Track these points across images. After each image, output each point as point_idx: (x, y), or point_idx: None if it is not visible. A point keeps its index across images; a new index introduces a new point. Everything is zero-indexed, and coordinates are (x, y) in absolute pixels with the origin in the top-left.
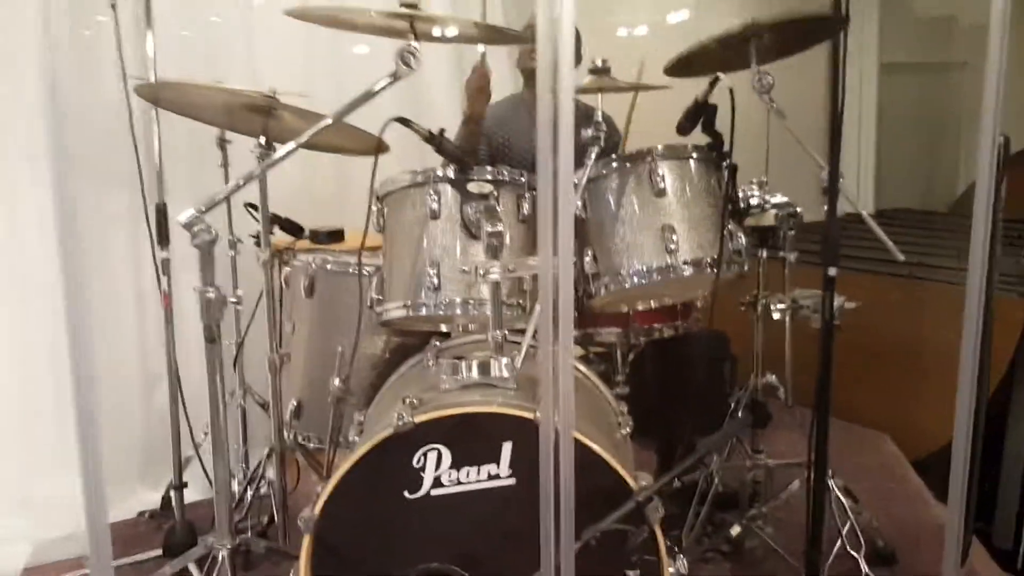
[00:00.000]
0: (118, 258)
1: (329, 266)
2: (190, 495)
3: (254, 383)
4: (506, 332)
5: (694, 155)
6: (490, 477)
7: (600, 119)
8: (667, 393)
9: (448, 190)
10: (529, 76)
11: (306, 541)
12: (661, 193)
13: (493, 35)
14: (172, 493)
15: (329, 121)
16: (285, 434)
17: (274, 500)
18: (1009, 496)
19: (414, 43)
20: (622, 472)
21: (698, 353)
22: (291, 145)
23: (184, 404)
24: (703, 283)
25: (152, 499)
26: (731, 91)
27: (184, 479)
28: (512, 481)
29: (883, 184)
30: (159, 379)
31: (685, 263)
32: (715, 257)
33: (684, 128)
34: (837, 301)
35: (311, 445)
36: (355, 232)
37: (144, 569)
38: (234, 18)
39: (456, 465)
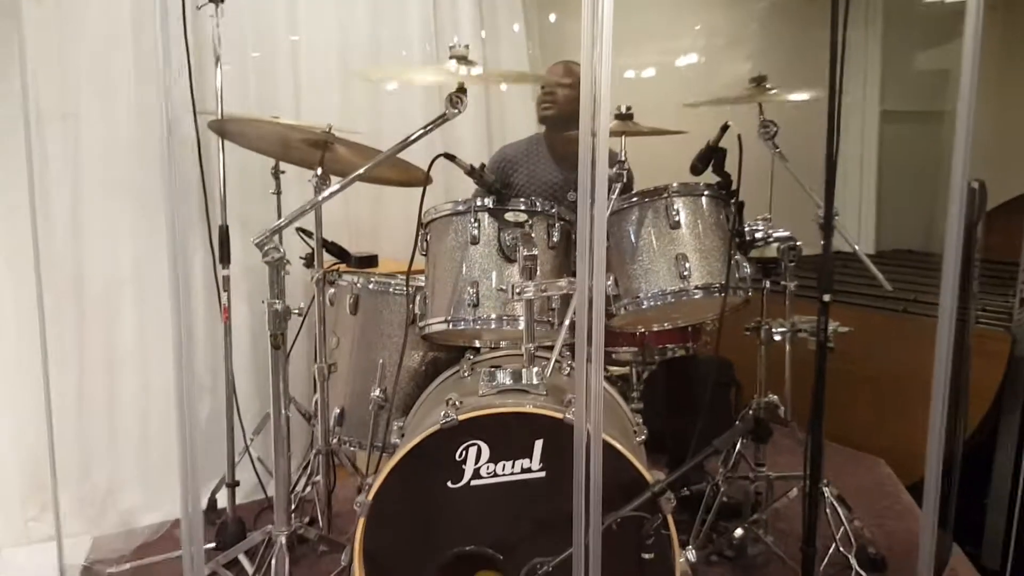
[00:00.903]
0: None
1: (372, 286)
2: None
3: (295, 395)
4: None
5: (705, 192)
6: (523, 470)
7: (623, 158)
8: (677, 414)
9: (487, 219)
10: (544, 122)
11: (360, 523)
12: (676, 225)
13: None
14: (225, 489)
15: (385, 156)
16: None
17: (318, 500)
18: (996, 519)
19: (463, 88)
20: (640, 468)
21: (706, 377)
22: (352, 177)
23: (238, 408)
24: (712, 306)
25: None
26: (739, 137)
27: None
28: (543, 474)
29: (883, 225)
30: (203, 389)
31: (696, 288)
32: (723, 283)
33: (697, 168)
34: (831, 325)
35: (352, 449)
36: (386, 258)
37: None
38: (274, 52)
39: (494, 459)
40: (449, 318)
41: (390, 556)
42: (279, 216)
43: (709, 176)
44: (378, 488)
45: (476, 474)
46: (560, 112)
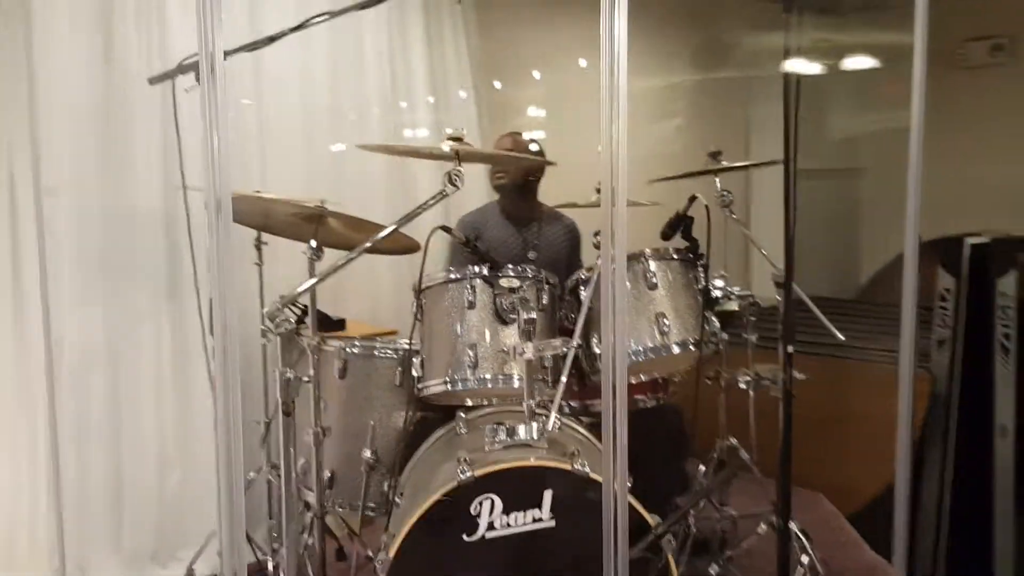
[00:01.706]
0: (134, 344)
1: (359, 350)
2: (207, 567)
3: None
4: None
5: (675, 256)
6: (534, 520)
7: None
8: (641, 461)
9: (481, 285)
10: (499, 190)
11: None
12: (653, 287)
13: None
14: (209, 558)
15: (389, 231)
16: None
17: (309, 563)
18: (924, 544)
19: (459, 167)
20: (644, 513)
21: (661, 426)
22: (359, 250)
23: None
24: (685, 360)
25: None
26: (707, 208)
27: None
28: (552, 524)
29: (800, 274)
30: (172, 462)
31: (675, 343)
32: (697, 338)
33: (667, 235)
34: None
35: (341, 511)
36: (352, 321)
37: None
38: (238, 119)
39: (507, 511)
40: (447, 379)
41: None
42: (261, 286)
43: (677, 241)
44: (399, 545)
45: (490, 526)
46: (512, 180)
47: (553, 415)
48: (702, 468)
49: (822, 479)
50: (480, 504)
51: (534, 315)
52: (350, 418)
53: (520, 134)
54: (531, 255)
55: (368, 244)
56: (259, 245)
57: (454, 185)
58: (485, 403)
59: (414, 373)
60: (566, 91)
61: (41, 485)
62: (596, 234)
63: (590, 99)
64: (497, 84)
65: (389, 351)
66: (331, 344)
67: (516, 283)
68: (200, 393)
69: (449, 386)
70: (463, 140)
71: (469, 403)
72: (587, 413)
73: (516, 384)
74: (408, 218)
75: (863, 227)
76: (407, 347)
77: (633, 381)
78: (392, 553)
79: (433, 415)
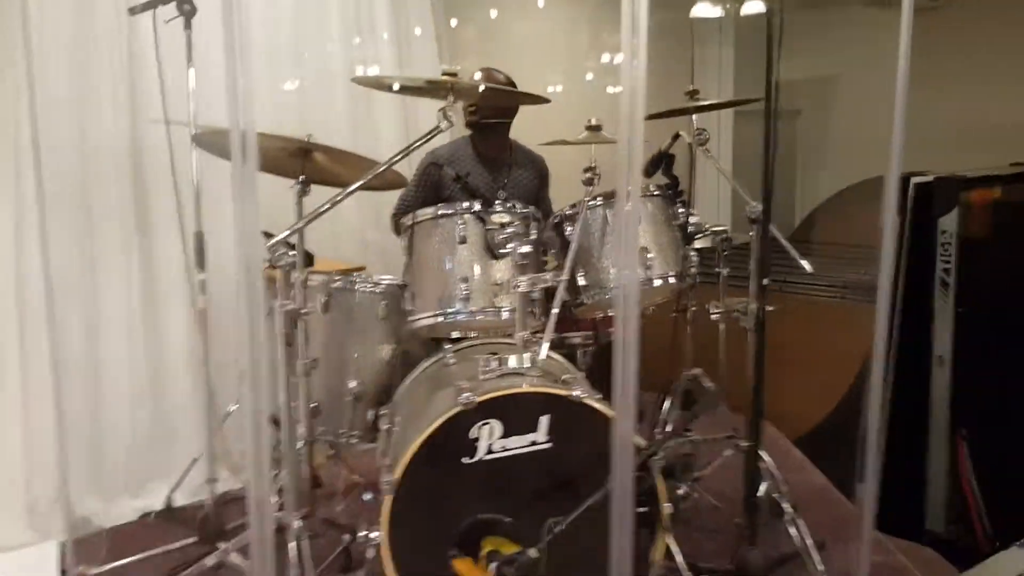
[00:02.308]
0: (105, 280)
1: (343, 285)
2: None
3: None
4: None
5: (656, 192)
6: (532, 444)
7: (594, 164)
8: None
9: (472, 220)
10: (471, 127)
11: (387, 500)
12: (637, 222)
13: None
14: (208, 485)
15: (386, 165)
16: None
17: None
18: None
19: (453, 103)
20: (636, 438)
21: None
22: (354, 186)
23: (213, 401)
24: (664, 292)
25: (137, 506)
26: (690, 145)
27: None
28: (548, 445)
29: (737, 213)
30: (140, 397)
31: (659, 276)
32: (679, 272)
33: (648, 172)
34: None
35: (328, 439)
36: (319, 258)
37: (187, 553)
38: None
39: (505, 435)
40: (439, 312)
41: (412, 530)
42: None
43: (657, 178)
44: (404, 468)
45: (489, 450)
46: (484, 117)
47: (545, 345)
48: (669, 400)
49: (767, 407)
50: (480, 429)
51: (529, 248)
52: (333, 351)
53: (496, 69)
54: (500, 194)
55: (365, 179)
56: None
57: (449, 121)
58: (473, 335)
59: (407, 307)
60: (527, 30)
61: (15, 422)
62: (586, 170)
63: (550, 39)
64: (453, 22)
65: (370, 285)
66: (315, 279)
67: (507, 218)
68: (173, 328)
69: (441, 318)
70: (456, 75)
71: (455, 336)
72: (563, 345)
73: (505, 316)
74: (403, 153)
75: (797, 168)
76: (389, 281)
77: (612, 314)
78: (397, 475)
79: (413, 348)
